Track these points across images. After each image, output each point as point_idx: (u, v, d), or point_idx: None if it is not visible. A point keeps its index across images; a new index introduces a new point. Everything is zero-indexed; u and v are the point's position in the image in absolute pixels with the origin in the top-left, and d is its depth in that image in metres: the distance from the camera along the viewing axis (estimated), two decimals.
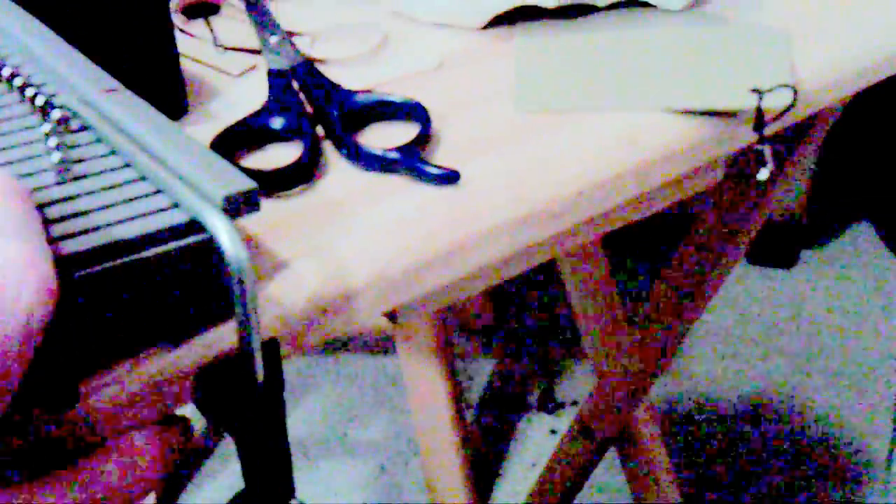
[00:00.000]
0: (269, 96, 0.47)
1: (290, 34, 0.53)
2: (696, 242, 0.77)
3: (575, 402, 1.56)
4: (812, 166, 1.74)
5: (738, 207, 0.70)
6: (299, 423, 1.50)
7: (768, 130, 0.49)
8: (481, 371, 1.63)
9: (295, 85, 0.49)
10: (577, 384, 1.59)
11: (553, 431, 1.52)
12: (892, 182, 1.77)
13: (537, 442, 1.50)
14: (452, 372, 1.25)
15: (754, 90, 0.48)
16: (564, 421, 1.53)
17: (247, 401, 0.35)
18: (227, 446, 1.47)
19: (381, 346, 1.66)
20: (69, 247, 0.32)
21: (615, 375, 0.94)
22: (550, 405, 1.57)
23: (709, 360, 1.62)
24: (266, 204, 0.42)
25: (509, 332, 1.69)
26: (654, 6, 0.56)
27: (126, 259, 0.33)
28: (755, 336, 1.66)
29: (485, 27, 0.56)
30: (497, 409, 1.56)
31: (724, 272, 0.80)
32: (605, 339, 1.00)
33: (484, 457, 1.48)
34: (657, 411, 1.49)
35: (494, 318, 1.69)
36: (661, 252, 1.74)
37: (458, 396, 1.28)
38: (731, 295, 1.73)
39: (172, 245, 0.33)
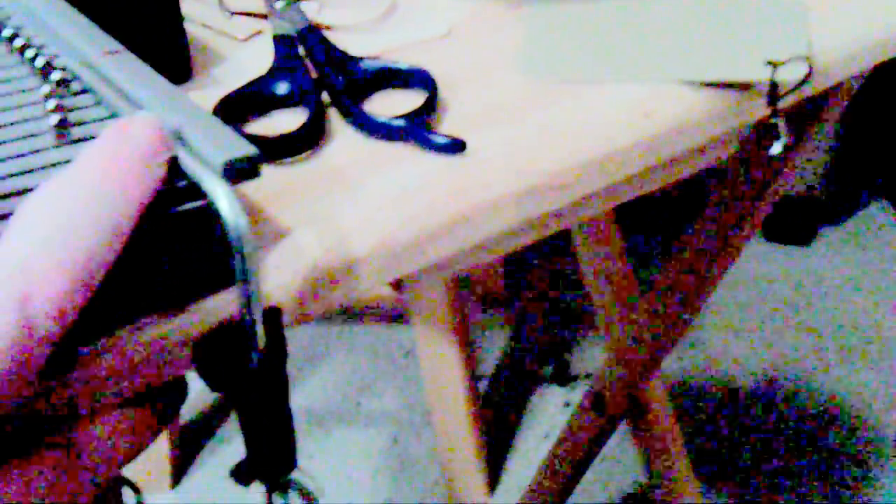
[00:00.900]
0: (275, 61, 0.47)
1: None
2: (710, 216, 0.76)
3: (589, 375, 1.56)
4: (831, 143, 1.72)
5: (752, 181, 0.69)
6: (313, 392, 1.51)
7: (783, 104, 0.48)
8: (495, 342, 1.62)
9: (301, 51, 0.48)
10: (592, 357, 1.59)
11: (567, 404, 1.52)
12: None
13: (550, 414, 1.50)
14: (466, 344, 1.25)
15: (769, 62, 0.47)
16: (578, 393, 1.53)
17: (247, 369, 0.35)
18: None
19: (396, 316, 1.66)
20: None
21: (627, 348, 0.94)
22: (565, 378, 1.57)
23: (724, 335, 1.61)
24: (269, 170, 0.42)
25: (524, 303, 1.69)
26: None
27: None
28: (771, 312, 1.65)
29: None
30: (511, 380, 1.56)
31: (738, 247, 0.79)
32: (618, 312, 0.99)
33: (496, 428, 1.48)
34: (670, 385, 1.49)
35: (509, 289, 1.69)
36: (674, 226, 1.73)
37: (471, 368, 1.28)
38: (748, 271, 1.72)
39: (171, 209, 0.33)
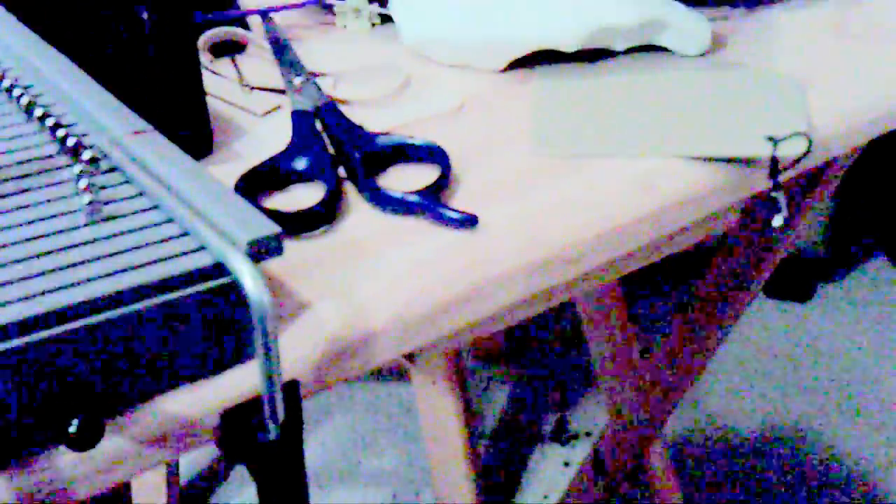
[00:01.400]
0: (293, 137, 0.48)
1: (314, 74, 0.54)
2: (713, 280, 0.77)
3: (588, 433, 1.56)
4: (829, 200, 1.74)
5: (754, 248, 0.70)
6: (313, 450, 1.50)
7: (783, 177, 0.49)
8: (495, 399, 1.63)
9: (318, 125, 0.49)
10: (592, 415, 1.59)
11: (566, 463, 1.52)
12: None
13: (550, 474, 1.50)
14: (466, 402, 1.25)
15: (769, 138, 0.48)
16: (578, 452, 1.52)
17: (268, 442, 0.36)
18: (242, 471, 1.47)
19: (396, 374, 1.66)
20: (99, 289, 0.33)
21: (630, 412, 0.94)
22: (564, 436, 1.57)
23: (724, 393, 1.61)
24: (288, 244, 0.43)
25: (523, 360, 1.69)
26: (671, 51, 0.57)
27: (152, 301, 0.33)
28: (771, 370, 1.65)
29: (504, 70, 0.57)
30: (510, 438, 1.56)
31: (740, 309, 0.80)
32: (621, 376, 1.00)
33: (496, 487, 1.48)
34: (669, 443, 1.49)
35: (509, 346, 1.70)
36: (675, 284, 1.74)
37: (471, 426, 1.28)
38: (747, 328, 1.73)
39: (197, 287, 0.34)
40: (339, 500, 1.43)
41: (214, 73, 0.55)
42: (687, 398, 1.57)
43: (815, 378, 1.63)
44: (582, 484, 1.05)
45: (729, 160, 0.49)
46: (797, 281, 1.79)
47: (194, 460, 1.50)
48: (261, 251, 0.35)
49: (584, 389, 1.63)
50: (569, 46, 0.55)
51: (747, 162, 0.49)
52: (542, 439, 1.56)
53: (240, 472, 1.46)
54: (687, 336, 0.83)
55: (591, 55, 0.57)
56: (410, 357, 0.47)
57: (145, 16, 0.43)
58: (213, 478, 1.48)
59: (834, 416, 1.55)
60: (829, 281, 1.83)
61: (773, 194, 0.49)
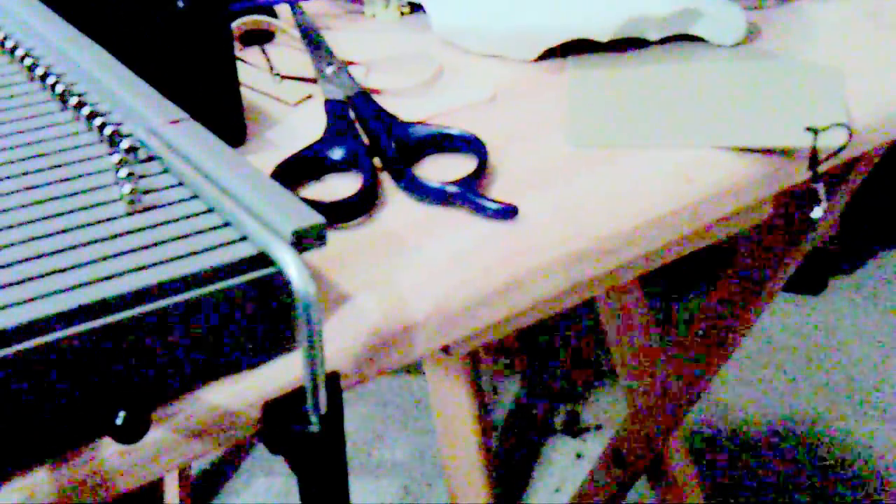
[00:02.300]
0: (327, 127, 0.48)
1: (346, 63, 0.54)
2: (737, 274, 0.76)
3: (600, 426, 1.56)
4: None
5: (781, 241, 0.70)
6: None
7: (821, 169, 0.49)
8: (507, 391, 1.62)
9: (351, 115, 0.49)
10: (603, 407, 1.59)
11: (579, 455, 1.51)
12: None
13: (562, 466, 1.50)
14: (479, 394, 1.25)
15: (809, 129, 0.48)
16: (590, 445, 1.52)
17: (310, 434, 0.35)
18: (252, 462, 1.47)
19: (408, 367, 1.66)
20: (142, 280, 0.32)
21: (649, 405, 0.94)
22: (575, 428, 1.57)
23: (736, 386, 1.61)
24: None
25: (536, 352, 1.69)
26: (707, 41, 0.57)
27: (196, 292, 0.33)
28: (783, 363, 1.65)
29: (537, 59, 0.56)
30: (522, 431, 1.56)
31: (762, 304, 0.80)
32: (640, 368, 1.00)
33: (508, 479, 1.48)
34: (683, 436, 1.49)
35: (521, 337, 1.69)
36: (697, 279, 1.73)
37: (483, 419, 1.28)
38: (759, 321, 1.72)
39: (242, 278, 0.34)
40: (351, 493, 1.43)
41: (245, 62, 0.55)
42: None
43: (827, 371, 1.62)
44: (599, 476, 1.04)
45: (767, 151, 0.49)
46: (810, 274, 1.78)
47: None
48: (305, 241, 0.35)
49: (596, 382, 1.63)
50: (602, 36, 0.54)
51: (786, 153, 0.49)
52: (554, 431, 1.56)
53: (249, 464, 1.46)
54: (709, 331, 0.83)
55: (625, 45, 0.56)
56: (446, 349, 0.46)
57: (181, 4, 0.43)
58: (221, 471, 1.48)
59: (846, 409, 1.55)
60: (842, 274, 1.83)
61: (814, 185, 0.48)
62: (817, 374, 1.62)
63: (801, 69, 0.54)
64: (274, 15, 0.59)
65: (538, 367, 1.67)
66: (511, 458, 1.51)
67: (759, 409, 1.56)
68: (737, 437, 1.52)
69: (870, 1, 0.62)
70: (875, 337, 1.69)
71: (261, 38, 0.58)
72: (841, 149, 0.48)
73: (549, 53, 0.56)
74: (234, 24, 0.57)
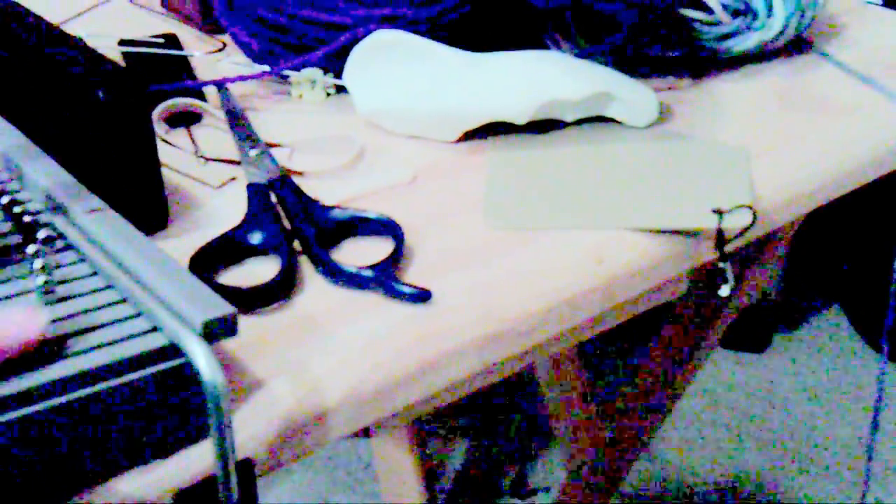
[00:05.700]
0: (248, 211, 0.49)
1: (270, 145, 0.55)
2: (665, 342, 0.78)
3: (548, 489, 1.56)
4: (784, 253, 1.77)
5: (704, 311, 0.71)
6: None
7: (729, 248, 0.50)
8: (454, 454, 1.62)
9: (273, 198, 0.50)
10: (551, 469, 1.59)
11: None
12: (862, 268, 1.80)
13: None
14: (425, 457, 1.25)
15: (715, 210, 0.50)
16: None
17: None
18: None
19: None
20: (49, 375, 0.33)
21: (588, 468, 0.95)
22: (523, 491, 1.57)
23: (680, 444, 1.62)
24: (243, 320, 0.43)
25: (482, 415, 1.69)
26: (620, 122, 0.59)
27: (105, 385, 0.34)
28: (727, 421, 1.67)
29: (458, 140, 0.58)
30: (470, 493, 1.55)
31: (692, 369, 0.82)
32: (578, 433, 1.01)
33: None
34: (627, 495, 1.49)
35: (467, 401, 1.70)
36: (632, 342, 1.75)
37: (430, 483, 1.27)
38: (702, 379, 1.74)
39: (152, 369, 0.35)
40: None
41: (170, 144, 0.56)
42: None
43: (771, 429, 1.64)
44: None
45: (676, 232, 0.50)
46: (754, 331, 1.81)
47: None
48: (215, 332, 0.35)
49: (542, 443, 1.63)
50: (520, 119, 0.56)
51: (694, 233, 0.51)
52: (502, 494, 1.55)
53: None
54: (643, 394, 0.84)
55: (542, 125, 0.58)
56: (366, 431, 0.47)
57: (101, 96, 0.44)
58: None
59: (791, 466, 1.57)
60: (785, 331, 1.86)
61: (720, 265, 0.50)
62: (762, 431, 1.64)
63: (710, 150, 0.56)
64: (202, 97, 0.61)
65: (486, 430, 1.67)
66: None
67: (705, 468, 1.57)
68: (682, 495, 1.53)
69: (778, 81, 0.64)
70: (818, 393, 1.72)
71: (188, 119, 0.59)
72: (746, 229, 0.50)
73: (471, 134, 0.58)
74: (162, 106, 0.58)
